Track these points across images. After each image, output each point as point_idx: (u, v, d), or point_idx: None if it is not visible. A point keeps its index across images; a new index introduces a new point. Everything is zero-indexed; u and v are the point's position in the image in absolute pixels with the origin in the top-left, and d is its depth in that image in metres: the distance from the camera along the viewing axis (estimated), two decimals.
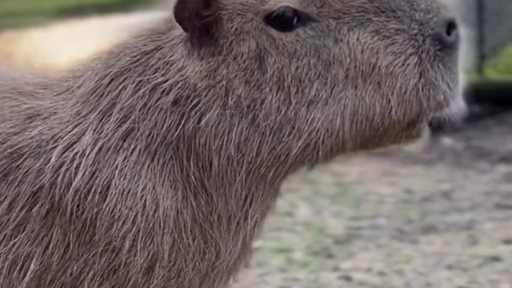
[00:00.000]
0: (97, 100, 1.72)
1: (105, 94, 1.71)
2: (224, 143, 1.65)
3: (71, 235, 1.66)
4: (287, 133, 1.64)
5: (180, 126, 1.66)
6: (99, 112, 1.71)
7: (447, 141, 6.96)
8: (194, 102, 1.66)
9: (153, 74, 1.69)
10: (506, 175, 5.93)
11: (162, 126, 1.67)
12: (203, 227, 1.68)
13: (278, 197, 1.79)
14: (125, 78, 1.71)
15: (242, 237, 1.72)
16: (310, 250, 4.42)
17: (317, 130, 1.64)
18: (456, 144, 6.91)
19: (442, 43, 1.65)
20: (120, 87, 1.71)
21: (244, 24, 1.68)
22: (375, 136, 1.69)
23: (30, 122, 1.72)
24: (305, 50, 1.66)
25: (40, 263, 1.66)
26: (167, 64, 1.70)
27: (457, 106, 1.69)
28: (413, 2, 1.68)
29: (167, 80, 1.68)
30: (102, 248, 1.65)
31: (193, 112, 1.66)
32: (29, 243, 1.66)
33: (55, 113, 1.74)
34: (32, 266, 1.66)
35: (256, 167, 1.66)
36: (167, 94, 1.67)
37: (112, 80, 1.72)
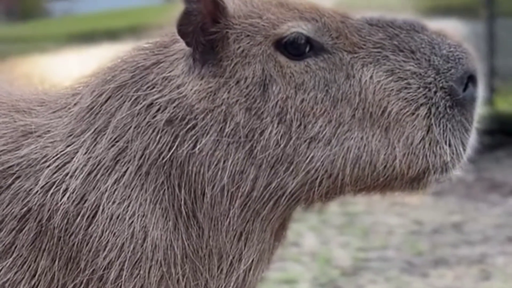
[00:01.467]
0: (93, 119, 1.63)
1: (101, 111, 1.63)
2: (219, 172, 1.56)
3: (58, 261, 1.56)
4: (284, 168, 1.55)
5: (173, 149, 1.57)
6: (93, 131, 1.62)
7: (457, 173, 6.82)
8: (190, 124, 1.57)
9: (150, 90, 1.61)
10: None
11: (155, 147, 1.57)
12: (194, 263, 1.58)
13: (279, 239, 1.70)
14: (122, 95, 1.62)
15: (235, 279, 1.61)
16: (317, 281, 4.28)
17: (316, 170, 1.55)
18: (466, 176, 6.74)
19: (455, 99, 1.55)
20: (116, 104, 1.62)
21: (252, 46, 1.60)
22: (376, 185, 1.59)
23: (23, 140, 1.64)
24: (313, 83, 1.57)
25: None
26: (165, 79, 1.61)
27: (463, 166, 1.62)
28: (435, 45, 1.58)
29: (163, 97, 1.59)
30: (88, 277, 1.56)
31: (188, 135, 1.57)
32: (15, 269, 1.56)
33: (48, 131, 1.66)
34: None
35: (251, 202, 1.57)
36: (162, 111, 1.58)
37: (108, 97, 1.64)
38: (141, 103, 1.59)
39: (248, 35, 1.60)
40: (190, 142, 1.56)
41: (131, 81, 1.63)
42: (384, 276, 4.37)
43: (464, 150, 1.57)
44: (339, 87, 1.57)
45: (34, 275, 1.56)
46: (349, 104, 1.56)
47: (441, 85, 1.55)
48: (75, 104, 1.68)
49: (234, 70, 1.59)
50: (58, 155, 1.60)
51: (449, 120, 1.55)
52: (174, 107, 1.58)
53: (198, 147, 1.55)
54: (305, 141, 1.55)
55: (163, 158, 1.57)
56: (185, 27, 1.58)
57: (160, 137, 1.57)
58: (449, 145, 1.54)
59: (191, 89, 1.58)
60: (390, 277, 4.35)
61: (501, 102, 8.14)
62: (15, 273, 1.56)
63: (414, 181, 1.58)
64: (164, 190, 1.57)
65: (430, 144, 1.53)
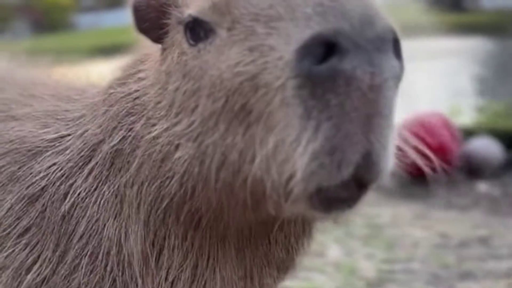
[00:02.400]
0: (92, 106, 1.69)
1: (98, 101, 1.67)
2: (129, 169, 1.53)
3: (55, 247, 1.59)
4: (164, 169, 1.43)
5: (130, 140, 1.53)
6: (90, 117, 1.66)
7: (482, 187, 6.76)
8: (142, 120, 1.52)
9: (123, 82, 1.60)
10: None
11: (119, 141, 1.55)
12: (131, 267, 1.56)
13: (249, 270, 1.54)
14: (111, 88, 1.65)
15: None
16: None
17: (188, 172, 1.36)
18: (492, 191, 6.69)
19: (300, 76, 1.12)
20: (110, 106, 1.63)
21: (176, 34, 1.47)
22: (255, 200, 1.28)
23: (49, 122, 1.74)
24: (196, 70, 1.34)
25: (36, 277, 1.60)
26: (139, 72, 1.59)
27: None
28: (295, 4, 1.16)
29: (128, 90, 1.57)
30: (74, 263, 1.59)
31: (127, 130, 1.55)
32: (29, 250, 1.61)
33: (65, 115, 1.74)
34: (28, 276, 1.61)
35: (153, 205, 1.49)
36: (126, 102, 1.56)
37: (105, 102, 1.65)
38: (115, 94, 1.60)
39: (177, 22, 1.47)
40: (125, 136, 1.54)
41: (121, 72, 1.66)
42: None
43: (328, 148, 1.11)
44: (211, 74, 1.29)
45: (42, 259, 1.60)
46: (214, 93, 1.27)
47: (286, 58, 1.13)
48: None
49: (164, 61, 1.48)
50: (59, 137, 1.67)
51: (300, 105, 1.12)
52: (134, 99, 1.55)
53: (124, 142, 1.54)
54: (177, 137, 1.37)
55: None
56: (140, 23, 1.52)
57: (117, 129, 1.55)
58: (306, 141, 1.12)
59: (147, 84, 1.55)
60: None
61: None
62: (29, 253, 1.61)
63: (273, 194, 1.21)
64: (113, 182, 1.58)
65: (286, 141, 1.15)
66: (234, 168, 1.26)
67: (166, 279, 1.51)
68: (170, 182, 1.42)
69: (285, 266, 1.63)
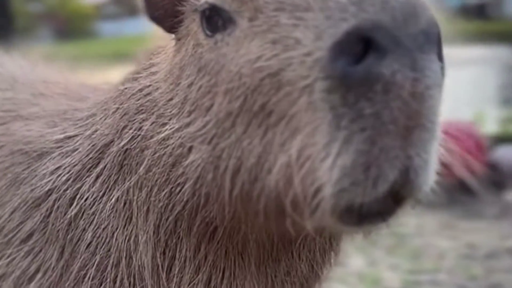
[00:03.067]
0: (103, 105, 1.56)
1: (109, 98, 1.55)
2: (135, 170, 1.39)
3: (58, 254, 1.47)
4: (178, 173, 1.28)
5: (140, 141, 1.39)
6: (101, 116, 1.54)
7: (510, 196, 6.56)
8: (153, 117, 1.38)
9: (136, 77, 1.48)
10: None
11: (128, 141, 1.42)
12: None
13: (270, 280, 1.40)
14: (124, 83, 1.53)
15: None
16: None
17: (203, 178, 1.23)
18: None
19: (332, 78, 0.97)
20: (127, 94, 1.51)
21: (191, 23, 1.32)
22: (270, 212, 1.15)
23: (56, 122, 1.64)
24: (213, 64, 1.20)
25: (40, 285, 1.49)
26: (152, 66, 1.46)
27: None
28: None
29: (139, 85, 1.44)
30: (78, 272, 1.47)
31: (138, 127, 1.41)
32: (31, 257, 1.51)
33: (74, 114, 1.63)
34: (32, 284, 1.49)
35: (163, 211, 1.36)
36: (137, 99, 1.42)
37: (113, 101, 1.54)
38: (127, 90, 1.48)
39: (193, 9, 1.32)
40: (139, 137, 1.40)
41: (135, 68, 1.52)
42: None
43: (362, 164, 0.98)
44: (228, 68, 1.15)
45: (46, 266, 1.49)
46: (231, 91, 1.14)
47: (316, 56, 0.99)
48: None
49: (177, 53, 1.35)
50: (65, 138, 1.55)
51: (329, 112, 0.99)
52: (145, 95, 1.41)
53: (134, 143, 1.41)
54: (189, 138, 1.24)
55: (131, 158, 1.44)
56: (153, 12, 1.38)
57: (130, 126, 1.42)
58: (336, 155, 0.99)
59: (159, 78, 1.42)
60: None
61: None
62: (31, 261, 1.51)
63: (301, 206, 1.06)
64: (120, 187, 1.45)
65: (310, 152, 1.01)
66: (251, 175, 1.12)
67: None
68: (182, 188, 1.28)
69: (309, 283, 1.49)
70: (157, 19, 1.40)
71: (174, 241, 1.35)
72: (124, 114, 1.43)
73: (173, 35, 1.41)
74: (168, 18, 1.38)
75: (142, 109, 1.39)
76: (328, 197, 1.00)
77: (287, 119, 1.04)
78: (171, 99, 1.32)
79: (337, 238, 1.47)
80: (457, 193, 5.84)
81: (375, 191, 1.00)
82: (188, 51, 1.30)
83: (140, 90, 1.43)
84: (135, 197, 1.38)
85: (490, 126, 8.18)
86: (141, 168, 1.35)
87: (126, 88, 1.48)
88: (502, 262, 4.86)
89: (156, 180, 1.33)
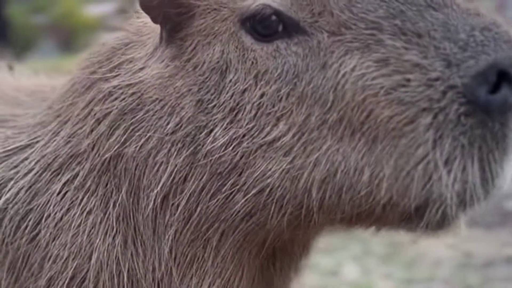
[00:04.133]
0: (59, 109, 1.42)
1: (67, 101, 1.41)
2: (159, 178, 1.26)
3: (7, 273, 1.36)
4: (231, 182, 1.22)
5: (121, 147, 1.29)
6: (57, 123, 1.41)
7: (509, 205, 6.49)
8: (139, 116, 1.29)
9: (114, 75, 1.36)
10: None
11: (107, 143, 1.31)
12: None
13: (269, 279, 1.38)
14: (90, 82, 1.39)
15: None
16: None
17: (270, 189, 1.20)
18: None
19: (473, 104, 1.08)
20: (82, 92, 1.39)
21: (216, 23, 1.27)
22: (358, 216, 1.20)
23: None
24: (279, 72, 1.20)
25: None
26: (130, 62, 1.36)
27: (489, 201, 1.15)
28: (451, 26, 1.12)
29: (122, 82, 1.33)
30: None
31: (136, 130, 1.29)
32: None
33: (18, 121, 1.48)
34: None
35: (195, 219, 1.26)
36: (116, 99, 1.32)
37: (79, 85, 1.41)
38: (102, 91, 1.35)
39: (214, 8, 1.27)
40: (137, 138, 1.29)
41: (100, 65, 1.40)
42: None
43: (486, 179, 1.11)
44: (310, 79, 1.17)
45: None
46: (320, 103, 1.16)
47: (451, 82, 1.08)
48: (51, 95, 1.50)
49: (194, 52, 1.28)
50: (16, 148, 1.42)
51: (463, 134, 1.09)
52: (131, 94, 1.32)
53: (141, 144, 1.28)
54: (259, 147, 1.20)
55: (114, 157, 1.31)
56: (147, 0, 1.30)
57: (113, 131, 1.32)
58: (462, 170, 1.09)
59: (150, 74, 1.31)
60: None
61: None
62: None
63: (412, 216, 1.15)
64: (114, 197, 1.31)
65: (433, 166, 1.09)
66: (341, 185, 1.17)
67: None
68: (239, 197, 1.24)
69: (300, 267, 1.49)
70: (149, 8, 1.33)
71: (201, 246, 1.30)
72: (103, 118, 1.34)
73: (158, 27, 1.35)
74: (166, 9, 1.31)
75: (133, 110, 1.32)
76: (451, 204, 1.11)
77: (398, 134, 1.11)
78: (200, 101, 1.25)
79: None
80: None
81: (490, 191, 1.14)
82: (219, 54, 1.26)
83: (122, 89, 1.34)
84: (140, 202, 1.31)
85: None
86: (164, 176, 1.27)
87: (94, 89, 1.39)
88: (500, 271, 4.80)
89: (197, 188, 1.26)
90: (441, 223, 1.16)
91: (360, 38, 1.15)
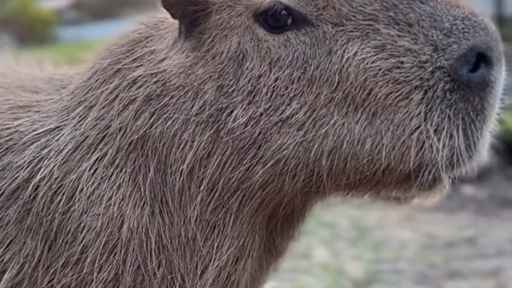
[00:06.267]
0: (85, 94, 1.56)
1: (94, 87, 1.56)
2: (186, 154, 1.43)
3: (41, 243, 1.48)
4: (251, 155, 1.39)
5: (149, 127, 1.46)
6: (84, 107, 1.55)
7: (468, 190, 6.77)
8: (164, 101, 1.45)
9: (137, 64, 1.51)
10: None
11: (134, 125, 1.47)
12: (170, 254, 1.46)
13: (278, 237, 1.55)
14: (113, 70, 1.54)
15: (212, 277, 1.46)
16: None
17: (286, 159, 1.37)
18: (477, 193, 6.71)
19: (456, 82, 1.29)
20: (107, 79, 1.54)
21: (231, 18, 1.45)
22: (361, 181, 1.38)
23: (21, 114, 1.60)
24: (290, 59, 1.38)
25: (15, 274, 1.50)
26: (152, 53, 1.52)
27: (475, 164, 1.35)
28: (436, 16, 1.32)
29: (146, 71, 1.49)
30: (66, 259, 1.47)
31: (162, 113, 1.45)
32: (4, 248, 1.50)
33: (45, 106, 1.61)
34: (6, 276, 1.50)
35: (219, 190, 1.42)
36: (143, 87, 1.48)
37: (102, 72, 1.56)
38: (127, 79, 1.50)
39: (229, 5, 1.45)
40: (163, 120, 1.44)
41: (123, 56, 1.55)
42: (397, 287, 4.28)
43: (469, 144, 1.31)
44: (318, 64, 1.37)
45: (21, 256, 1.49)
46: (327, 84, 1.35)
47: (438, 64, 1.29)
48: (73, 82, 1.63)
49: (212, 43, 1.45)
50: (47, 130, 1.54)
51: (449, 107, 1.29)
52: (154, 82, 1.47)
53: (167, 126, 1.44)
54: (275, 124, 1.38)
55: (141, 138, 1.46)
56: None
57: (139, 114, 1.47)
58: (449, 138, 1.29)
59: (171, 64, 1.47)
60: None
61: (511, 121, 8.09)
62: (4, 252, 1.50)
63: (408, 178, 1.34)
64: (142, 172, 1.46)
65: (425, 135, 1.29)
66: (347, 154, 1.34)
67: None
68: (258, 168, 1.40)
69: (295, 234, 1.64)
70: (168, 5, 1.48)
71: (222, 212, 1.45)
72: (129, 104, 1.49)
73: (176, 21, 1.51)
74: (183, 6, 1.47)
75: (157, 96, 1.47)
76: (441, 167, 1.31)
77: (394, 108, 1.31)
78: (221, 86, 1.42)
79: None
80: None
81: (473, 155, 1.33)
82: (236, 44, 1.43)
83: (146, 78, 1.49)
84: (167, 175, 1.46)
85: None
86: (190, 153, 1.43)
87: (118, 77, 1.53)
88: (460, 250, 5.04)
89: (220, 162, 1.42)
90: (433, 184, 1.35)
91: (360, 28, 1.35)
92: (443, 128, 1.30)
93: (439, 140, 1.29)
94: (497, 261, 4.75)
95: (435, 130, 1.30)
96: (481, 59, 1.30)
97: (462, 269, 4.60)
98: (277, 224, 1.55)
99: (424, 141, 1.30)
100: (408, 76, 1.31)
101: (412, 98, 1.30)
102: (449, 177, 1.38)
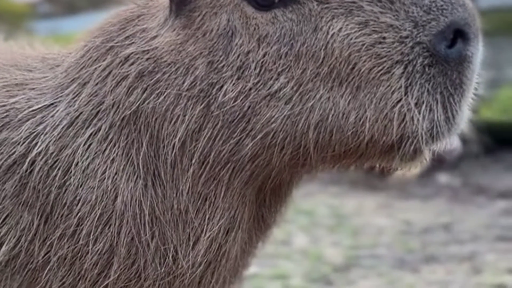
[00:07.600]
0: (78, 71, 1.60)
1: (87, 64, 1.59)
2: (178, 128, 1.47)
3: (37, 216, 1.52)
4: (241, 128, 1.43)
5: (141, 103, 1.49)
6: (78, 84, 1.58)
7: (443, 178, 6.90)
8: (156, 77, 1.49)
9: (129, 42, 1.55)
10: (505, 210, 5.84)
11: (127, 100, 1.50)
12: (163, 225, 1.50)
13: (266, 210, 1.59)
14: (106, 48, 1.57)
15: (204, 248, 1.50)
16: (309, 277, 4.25)
17: (274, 132, 1.41)
18: (452, 181, 6.84)
19: (435, 57, 1.34)
20: (100, 57, 1.58)
21: None
22: (346, 153, 1.42)
23: (16, 92, 1.63)
24: (278, 36, 1.42)
25: (12, 247, 1.53)
26: (143, 31, 1.55)
27: (453, 141, 1.43)
28: None
29: (138, 49, 1.53)
30: (62, 231, 1.51)
31: (154, 89, 1.49)
32: (0, 222, 1.53)
33: (39, 84, 1.64)
34: (3, 249, 1.54)
35: (210, 163, 1.46)
36: (135, 64, 1.52)
37: (95, 50, 1.59)
38: (119, 56, 1.54)
39: None
40: (155, 96, 1.48)
41: (115, 34, 1.58)
42: (375, 272, 4.35)
43: (448, 117, 1.36)
44: (304, 40, 1.41)
45: (18, 229, 1.52)
46: (313, 59, 1.40)
47: (418, 39, 1.34)
48: (67, 59, 1.66)
49: (202, 21, 1.49)
50: (42, 107, 1.57)
51: (428, 81, 1.34)
52: (146, 59, 1.51)
53: (159, 101, 1.48)
54: (264, 98, 1.41)
55: (134, 113, 1.50)
56: None
57: (132, 91, 1.50)
58: (429, 111, 1.34)
59: (162, 41, 1.51)
60: (382, 273, 4.34)
61: (485, 110, 8.24)
62: (1, 226, 1.53)
63: (391, 150, 1.38)
64: (135, 147, 1.50)
65: (406, 108, 1.33)
66: (332, 127, 1.38)
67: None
68: (248, 141, 1.44)
69: (282, 208, 1.68)
70: None
71: (214, 185, 1.49)
72: (122, 80, 1.52)
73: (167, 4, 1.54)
74: None
75: (149, 72, 1.50)
76: (422, 139, 1.35)
77: (377, 82, 1.35)
78: (212, 62, 1.45)
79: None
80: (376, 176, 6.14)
81: (452, 128, 1.38)
82: (226, 22, 1.46)
83: (138, 55, 1.53)
84: (160, 149, 1.50)
85: None
86: (182, 127, 1.46)
87: (110, 55, 1.56)
88: (437, 236, 5.15)
89: (211, 135, 1.46)
90: (414, 155, 1.40)
91: (344, 5, 1.39)
92: (423, 101, 1.34)
93: (419, 112, 1.33)
94: (471, 246, 4.86)
95: (416, 103, 1.34)
96: (458, 35, 1.35)
97: (438, 254, 4.70)
98: (266, 197, 1.60)
99: (405, 114, 1.34)
100: (389, 51, 1.35)
101: (393, 72, 1.35)
102: (429, 149, 1.42)
